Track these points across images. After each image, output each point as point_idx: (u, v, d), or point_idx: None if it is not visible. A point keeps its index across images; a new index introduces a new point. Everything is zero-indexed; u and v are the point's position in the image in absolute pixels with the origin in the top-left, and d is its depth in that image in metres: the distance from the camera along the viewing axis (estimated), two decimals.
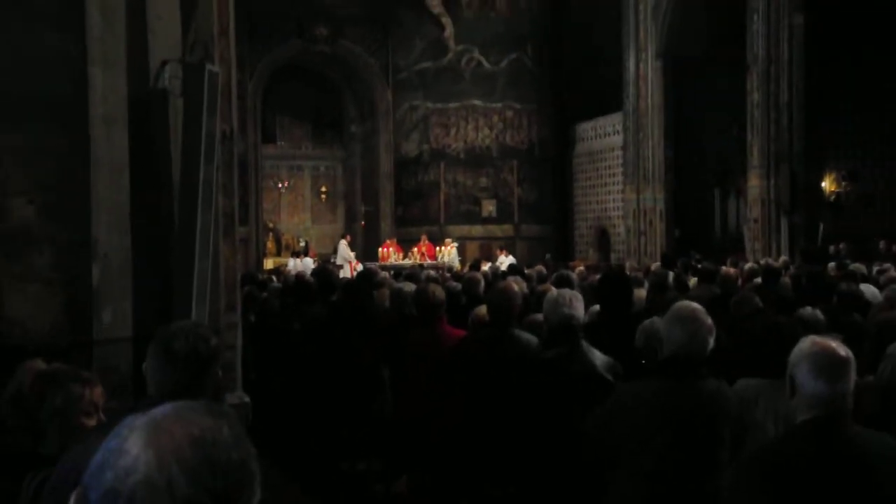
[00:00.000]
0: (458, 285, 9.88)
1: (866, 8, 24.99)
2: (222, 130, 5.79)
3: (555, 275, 11.71)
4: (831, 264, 14.90)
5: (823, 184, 27.90)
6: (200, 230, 5.16)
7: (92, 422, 3.43)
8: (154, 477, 1.38)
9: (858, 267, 12.45)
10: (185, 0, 5.52)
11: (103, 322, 4.57)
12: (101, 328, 4.55)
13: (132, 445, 1.41)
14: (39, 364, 3.78)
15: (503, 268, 19.32)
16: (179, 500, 1.37)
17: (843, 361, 3.46)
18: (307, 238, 32.53)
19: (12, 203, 4.38)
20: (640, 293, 9.39)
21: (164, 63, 5.09)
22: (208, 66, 5.36)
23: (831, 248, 22.45)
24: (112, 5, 4.64)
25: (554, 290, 5.94)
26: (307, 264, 24.47)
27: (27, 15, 4.42)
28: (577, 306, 5.40)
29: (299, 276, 12.44)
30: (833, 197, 28.05)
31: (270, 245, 32.20)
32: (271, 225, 33.35)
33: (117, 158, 4.70)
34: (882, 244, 22.80)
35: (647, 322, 5.93)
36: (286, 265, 25.76)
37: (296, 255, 28.67)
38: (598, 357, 5.28)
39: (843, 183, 28.21)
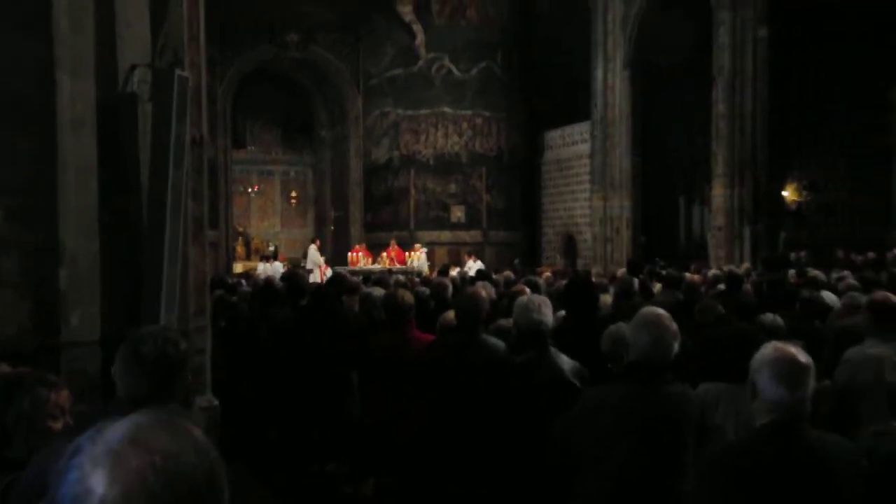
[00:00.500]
0: (426, 290, 9.87)
1: (829, 23, 25.21)
2: (192, 135, 5.76)
3: (522, 280, 11.74)
4: (791, 271, 15.04)
5: (785, 193, 28.11)
6: (170, 234, 5.12)
7: (59, 425, 3.41)
8: (106, 499, 1.36)
9: (818, 274, 12.56)
10: (155, 5, 5.49)
11: (71, 325, 4.53)
12: (69, 332, 4.52)
13: (96, 484, 1.38)
14: (4, 368, 3.74)
15: (471, 273, 19.33)
16: None
17: (803, 368, 3.53)
18: (277, 243, 32.53)
19: None
20: (606, 299, 9.46)
21: (133, 67, 5.05)
22: (178, 71, 5.33)
23: (792, 256, 22.64)
24: (80, 11, 4.60)
25: (524, 296, 5.92)
26: (277, 268, 24.42)
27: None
28: (546, 312, 5.42)
29: (268, 281, 12.37)
30: (795, 206, 28.26)
31: (240, 249, 32.16)
32: (241, 229, 33.30)
33: (85, 162, 4.66)
34: (840, 252, 23.07)
35: (612, 327, 5.98)
36: (256, 269, 25.69)
37: (265, 259, 28.62)
38: (566, 362, 5.30)
39: (805, 193, 28.44)
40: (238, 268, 28.78)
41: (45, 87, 4.39)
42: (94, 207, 4.72)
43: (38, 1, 4.39)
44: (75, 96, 4.53)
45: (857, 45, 25.04)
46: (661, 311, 4.50)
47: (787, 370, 3.49)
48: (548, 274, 17.79)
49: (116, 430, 1.45)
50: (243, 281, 17.50)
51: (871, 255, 22.50)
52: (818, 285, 10.13)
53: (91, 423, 3.27)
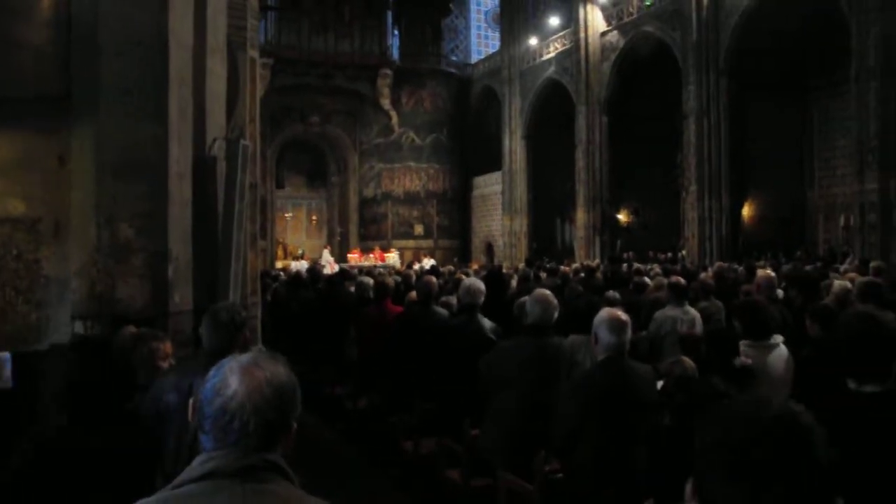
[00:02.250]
0: (398, 278, 9.87)
1: (636, 107, 25.60)
2: (250, 181, 5.73)
3: (460, 270, 11.78)
4: (624, 265, 15.20)
5: (620, 216, 28.43)
6: (235, 243, 5.10)
7: (166, 364, 3.42)
8: (247, 402, 1.45)
9: (640, 266, 12.70)
10: (229, 100, 5.48)
11: (175, 301, 4.51)
12: (173, 305, 4.50)
13: (232, 382, 1.47)
14: (131, 328, 3.74)
15: (426, 267, 19.32)
16: (261, 416, 1.44)
17: (625, 323, 3.58)
18: (303, 248, 32.20)
19: (120, 227, 4.33)
20: (513, 283, 9.48)
21: (214, 140, 5.03)
22: (242, 141, 5.31)
23: (625, 255, 22.90)
24: (184, 104, 4.60)
25: (467, 280, 5.92)
26: (303, 265, 24.12)
27: (135, 114, 4.38)
28: (478, 293, 5.39)
29: (297, 272, 12.30)
30: (626, 224, 28.60)
31: (280, 253, 31.81)
32: (280, 240, 32.98)
33: (184, 198, 4.64)
34: (651, 253, 23.39)
35: (518, 301, 5.95)
36: (290, 265, 25.43)
37: (296, 259, 28.35)
38: (487, 323, 5.26)
39: (631, 216, 28.79)
40: (279, 264, 28.40)
41: (160, 152, 4.38)
42: (189, 227, 4.70)
43: (160, 102, 4.39)
44: (179, 158, 4.52)
45: (656, 123, 25.43)
46: (546, 291, 4.48)
47: (616, 324, 3.54)
48: (475, 267, 17.85)
49: (245, 357, 1.53)
50: (282, 273, 17.37)
51: (669, 254, 22.89)
52: (640, 273, 10.28)
53: (186, 364, 3.30)
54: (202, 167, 4.88)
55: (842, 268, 11.90)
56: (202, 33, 4.93)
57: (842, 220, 20.93)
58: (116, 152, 4.34)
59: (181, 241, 4.61)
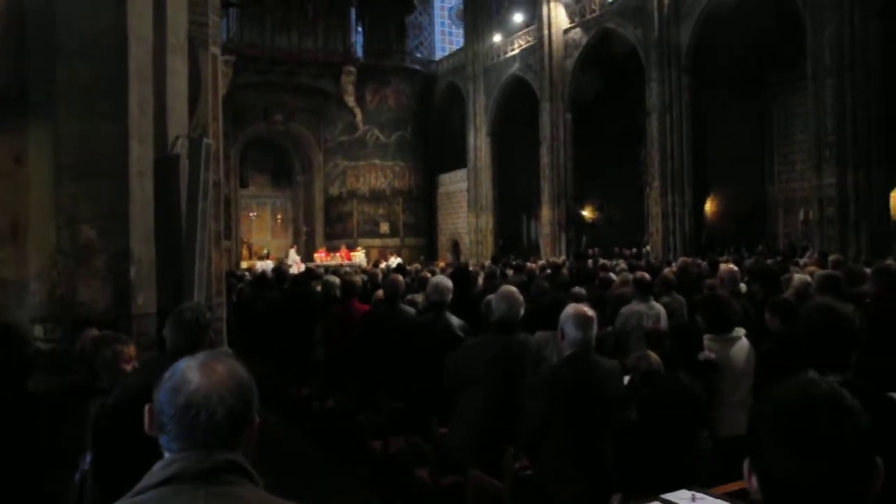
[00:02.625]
0: (365, 277, 9.84)
1: (604, 109, 25.85)
2: (213, 179, 5.66)
3: (426, 268, 11.77)
4: (590, 261, 15.33)
5: (585, 213, 28.67)
6: (199, 243, 5.04)
7: (129, 367, 3.37)
8: (212, 392, 1.44)
9: (606, 262, 12.82)
10: (191, 98, 5.40)
11: (138, 303, 4.44)
12: (136, 307, 4.43)
13: (192, 377, 1.46)
14: (93, 332, 3.68)
15: (393, 265, 19.29)
16: (226, 407, 1.44)
17: (591, 319, 3.59)
18: (268, 248, 31.92)
19: (80, 228, 4.26)
20: (480, 281, 9.49)
21: (176, 138, 4.96)
22: (205, 140, 5.25)
23: (590, 252, 23.11)
24: (145, 103, 4.52)
25: (435, 278, 5.90)
26: (268, 264, 23.95)
27: (92, 110, 4.29)
28: (446, 290, 5.40)
29: (263, 272, 12.20)
30: (591, 221, 28.86)
31: (245, 253, 31.49)
32: (245, 240, 32.65)
33: (146, 198, 4.57)
34: (617, 249, 23.64)
35: (485, 299, 5.93)
36: (255, 265, 25.19)
37: (261, 258, 28.10)
38: (455, 320, 5.25)
39: (596, 212, 29.06)
40: (244, 264, 28.12)
41: (121, 151, 4.31)
42: (151, 227, 4.63)
43: (120, 100, 4.32)
44: (140, 156, 4.45)
45: (619, 120, 25.76)
46: (512, 287, 4.47)
47: (582, 320, 3.55)
48: (442, 265, 17.86)
49: (199, 356, 1.53)
50: (247, 273, 17.21)
51: (634, 250, 23.15)
52: (605, 269, 10.36)
53: (150, 366, 3.26)
54: (164, 166, 4.81)
55: (801, 261, 12.16)
56: (162, 30, 4.85)
57: (801, 215, 21.40)
58: (75, 152, 4.25)
59: (144, 241, 4.54)
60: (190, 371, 1.47)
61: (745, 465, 1.29)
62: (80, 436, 2.93)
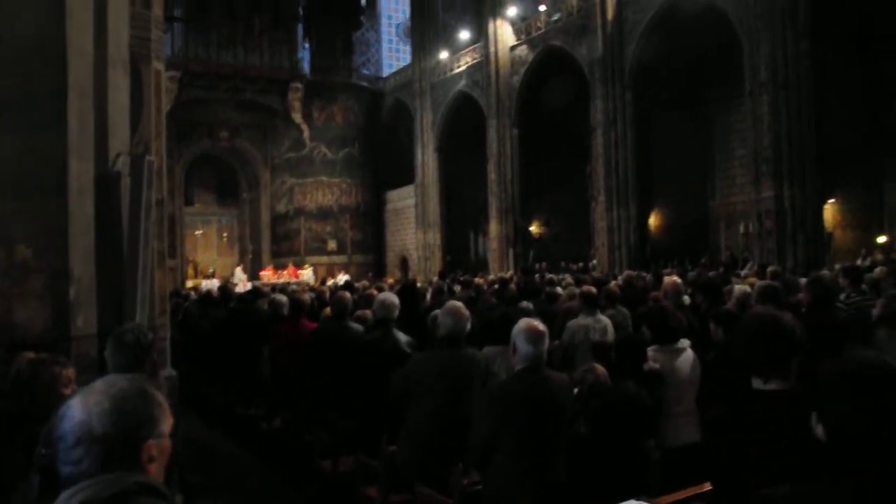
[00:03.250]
0: (313, 294, 9.74)
1: (550, 128, 26.23)
2: (157, 198, 5.56)
3: (374, 286, 11.72)
4: (537, 276, 15.46)
5: (532, 228, 28.97)
6: (142, 262, 4.94)
7: (69, 391, 3.25)
8: (83, 420, 1.44)
9: (553, 277, 12.93)
10: (133, 113, 5.30)
11: (77, 324, 4.32)
12: (76, 328, 4.31)
13: (72, 404, 1.47)
14: (30, 354, 3.56)
15: (341, 283, 19.18)
16: (98, 432, 1.43)
17: (542, 333, 3.60)
18: (214, 266, 31.38)
19: (16, 247, 4.13)
20: (427, 296, 9.48)
21: (118, 155, 4.86)
22: (147, 157, 5.15)
23: (537, 266, 23.32)
24: (84, 116, 4.41)
25: (381, 295, 5.88)
26: (214, 283, 23.54)
27: (28, 125, 4.18)
28: (393, 307, 5.38)
29: (209, 291, 11.98)
30: (538, 236, 29.16)
31: (190, 271, 30.89)
32: (191, 258, 32.04)
33: (86, 216, 4.46)
34: (563, 263, 23.92)
35: (431, 314, 5.95)
36: (200, 284, 24.72)
37: (207, 277, 27.62)
38: (402, 337, 5.24)
39: (543, 228, 29.39)
40: (189, 283, 27.59)
41: (59, 168, 4.19)
42: (92, 246, 4.51)
43: (58, 114, 4.21)
44: (80, 173, 4.34)
45: (565, 136, 26.16)
46: (459, 303, 4.47)
47: (533, 335, 3.55)
48: (391, 281, 17.81)
49: (98, 380, 1.54)
50: (192, 292, 16.88)
51: (580, 264, 23.46)
52: (552, 283, 10.44)
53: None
54: (105, 183, 4.70)
55: (742, 273, 12.49)
56: (103, 43, 4.75)
57: (741, 227, 22.00)
58: (11, 168, 4.13)
59: (83, 260, 4.42)
60: (72, 398, 1.49)
61: (813, 417, 1.76)
62: (16, 462, 2.82)
